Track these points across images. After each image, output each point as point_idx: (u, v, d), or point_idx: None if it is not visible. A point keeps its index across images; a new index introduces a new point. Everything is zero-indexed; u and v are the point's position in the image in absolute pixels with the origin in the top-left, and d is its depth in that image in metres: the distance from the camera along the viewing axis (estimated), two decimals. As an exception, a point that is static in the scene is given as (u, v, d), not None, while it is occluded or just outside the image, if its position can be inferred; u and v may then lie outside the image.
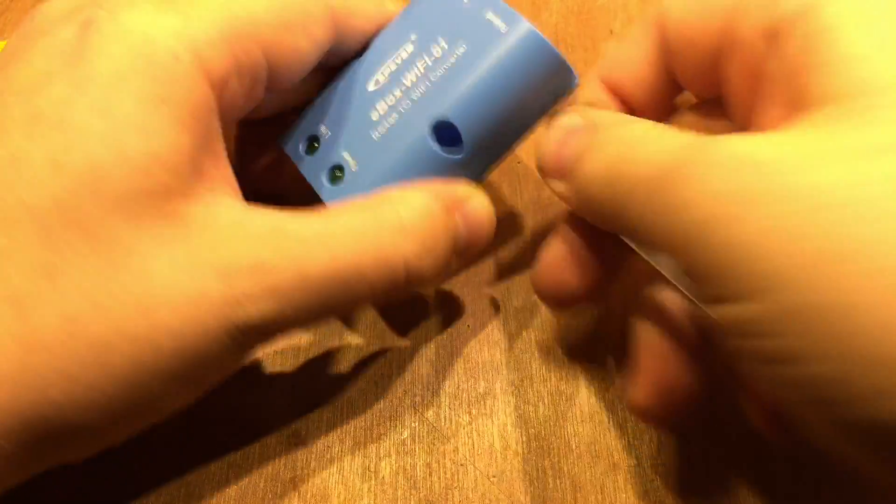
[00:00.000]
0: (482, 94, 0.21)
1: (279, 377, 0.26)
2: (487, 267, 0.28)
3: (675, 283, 0.21)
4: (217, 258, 0.18)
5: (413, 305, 0.27)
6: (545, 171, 0.22)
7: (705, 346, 0.20)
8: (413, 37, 0.23)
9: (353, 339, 0.27)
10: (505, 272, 0.27)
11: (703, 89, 0.21)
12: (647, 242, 0.19)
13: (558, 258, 0.22)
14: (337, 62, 0.25)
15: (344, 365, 0.26)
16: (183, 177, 0.18)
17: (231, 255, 0.18)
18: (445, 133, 0.22)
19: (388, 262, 0.20)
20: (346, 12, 0.23)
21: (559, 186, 0.21)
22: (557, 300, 0.23)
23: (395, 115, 0.23)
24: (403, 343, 0.27)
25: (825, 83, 0.16)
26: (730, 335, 0.15)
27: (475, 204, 0.22)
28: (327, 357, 0.26)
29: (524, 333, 0.27)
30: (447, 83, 0.22)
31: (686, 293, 0.21)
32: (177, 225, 0.18)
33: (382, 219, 0.20)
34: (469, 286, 0.27)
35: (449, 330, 0.27)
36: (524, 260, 0.28)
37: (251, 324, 0.18)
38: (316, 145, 0.24)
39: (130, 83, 0.18)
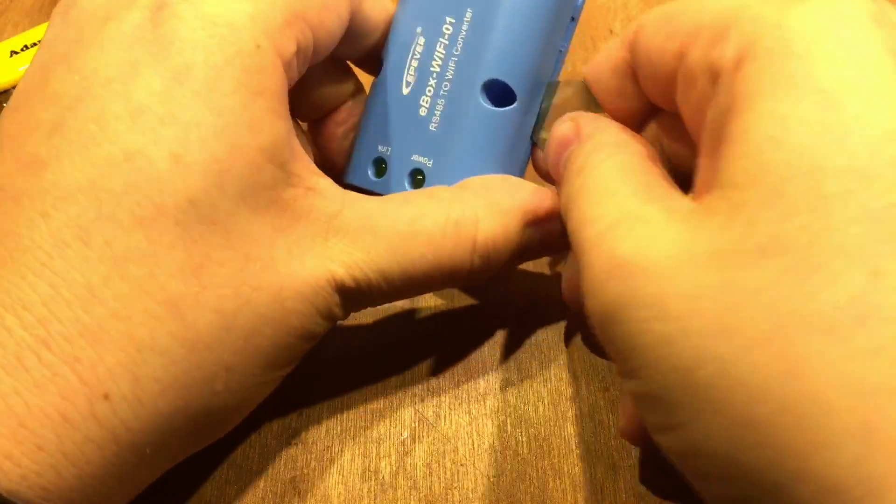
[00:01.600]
0: (508, 40, 0.22)
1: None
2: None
3: None
4: (321, 243, 0.19)
5: (413, 304, 0.27)
6: (545, 178, 0.22)
7: None
8: (419, 29, 0.24)
9: (354, 339, 0.27)
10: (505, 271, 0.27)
11: (665, 104, 0.21)
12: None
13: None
14: (345, 51, 0.25)
15: (344, 365, 0.26)
16: (285, 166, 0.19)
17: (333, 238, 0.20)
18: (495, 91, 0.22)
19: (456, 270, 0.21)
20: None
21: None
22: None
23: (439, 101, 0.23)
24: (403, 343, 0.27)
25: (729, 166, 0.15)
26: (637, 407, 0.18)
27: (555, 223, 0.22)
28: (327, 357, 0.26)
29: (524, 333, 0.27)
30: (472, 48, 0.22)
31: None
32: (286, 213, 0.19)
33: (462, 229, 0.21)
34: (469, 287, 0.27)
35: (449, 330, 0.27)
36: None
37: (347, 302, 0.20)
38: (384, 166, 0.25)
39: (227, 74, 0.18)
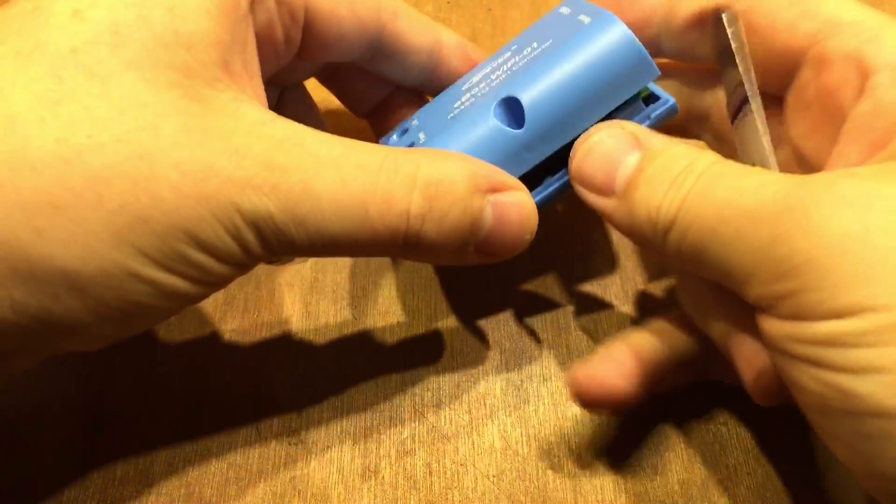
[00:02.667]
0: (552, 74, 0.21)
1: (279, 377, 0.26)
2: (488, 267, 0.28)
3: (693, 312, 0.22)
4: (231, 141, 0.18)
5: (413, 305, 0.27)
6: (586, 183, 0.21)
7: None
8: (514, 47, 0.24)
9: (354, 339, 0.27)
10: (505, 272, 0.27)
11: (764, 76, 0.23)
12: (726, 268, 0.18)
13: (609, 372, 0.22)
14: (388, 72, 0.26)
15: (344, 364, 0.26)
16: (206, 64, 0.19)
17: (245, 144, 0.18)
18: (512, 111, 0.22)
19: (393, 208, 0.19)
20: (394, 10, 0.24)
21: (597, 200, 0.21)
22: (595, 405, 0.23)
23: (471, 98, 0.23)
24: (403, 343, 0.27)
25: None
26: (819, 345, 0.16)
27: (512, 197, 0.21)
28: (327, 357, 0.26)
29: (524, 333, 0.27)
30: (524, 69, 0.22)
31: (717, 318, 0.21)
32: (196, 102, 0.18)
33: (401, 166, 0.19)
34: (469, 286, 0.27)
35: (449, 330, 0.27)
36: (524, 260, 0.28)
37: (252, 217, 0.18)
38: (406, 134, 0.25)
39: None
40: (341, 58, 0.25)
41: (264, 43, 0.22)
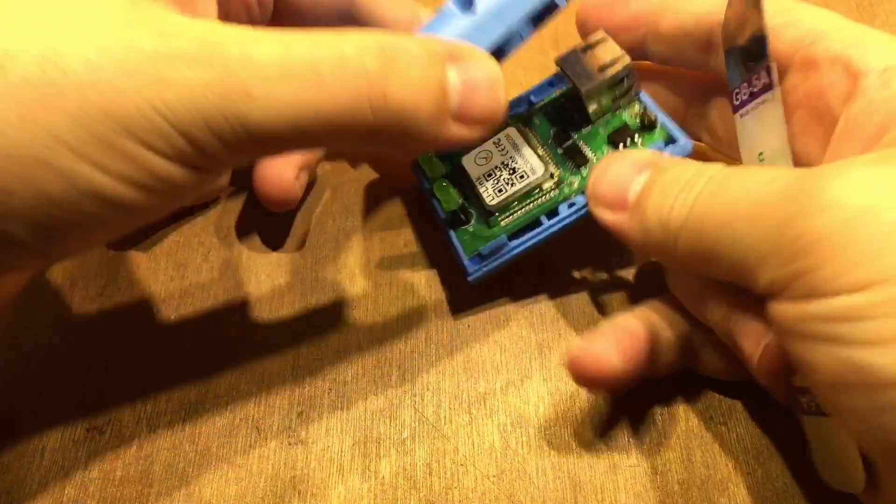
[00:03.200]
0: None
1: (279, 377, 0.26)
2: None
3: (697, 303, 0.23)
4: (159, 26, 0.17)
5: (413, 305, 0.27)
6: (600, 200, 0.22)
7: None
8: None
9: (354, 339, 0.27)
10: (504, 273, 0.27)
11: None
12: (738, 259, 0.19)
13: (605, 351, 0.22)
14: None
15: (344, 365, 0.26)
16: None
17: (175, 27, 0.17)
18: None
19: (347, 67, 0.18)
20: None
21: (612, 217, 0.22)
22: (591, 385, 0.24)
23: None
24: (403, 343, 0.27)
25: None
26: (833, 321, 0.17)
27: (475, 62, 0.20)
28: (327, 357, 0.26)
29: (524, 333, 0.27)
30: None
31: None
32: (131, 2, 0.17)
33: (349, 36, 0.18)
34: (469, 286, 0.27)
35: (449, 330, 0.27)
36: (527, 262, 0.27)
37: (187, 94, 0.16)
38: None
39: None
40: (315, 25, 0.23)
41: None
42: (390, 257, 0.28)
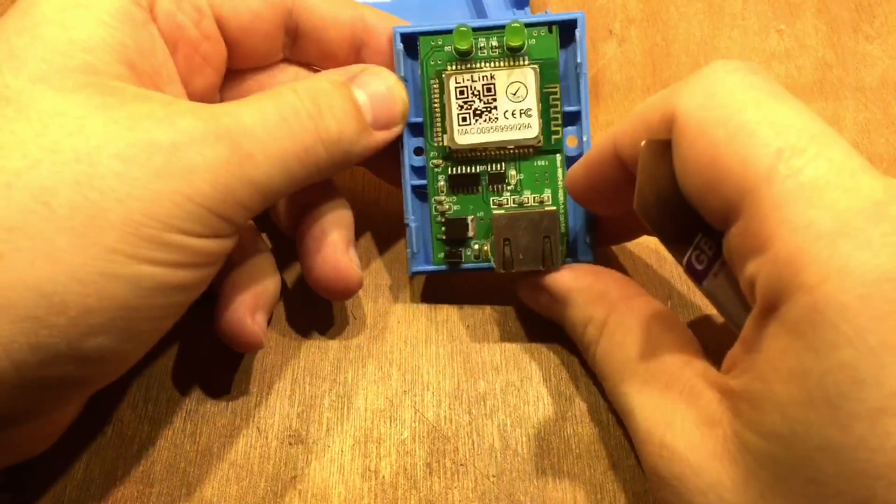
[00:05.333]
0: None
1: (279, 377, 0.26)
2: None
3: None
4: (157, 113, 0.19)
5: (413, 305, 0.27)
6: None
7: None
8: None
9: (353, 339, 0.27)
10: (504, 273, 0.27)
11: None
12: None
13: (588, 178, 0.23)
14: (316, 57, 0.26)
15: (344, 365, 0.26)
16: (109, 63, 0.19)
17: (171, 112, 0.19)
18: None
19: (300, 116, 0.21)
20: None
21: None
22: (585, 203, 0.24)
23: None
24: (403, 343, 0.27)
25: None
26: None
27: (370, 76, 0.24)
28: (327, 357, 0.26)
29: (524, 333, 0.27)
30: None
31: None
32: (109, 95, 0.19)
33: (288, 91, 0.22)
34: (469, 286, 0.27)
35: (449, 330, 0.27)
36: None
37: (210, 170, 0.19)
38: None
39: None
40: (268, 44, 0.25)
41: (182, 45, 0.23)
42: (391, 257, 0.28)
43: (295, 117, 0.21)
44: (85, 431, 0.25)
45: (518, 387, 0.26)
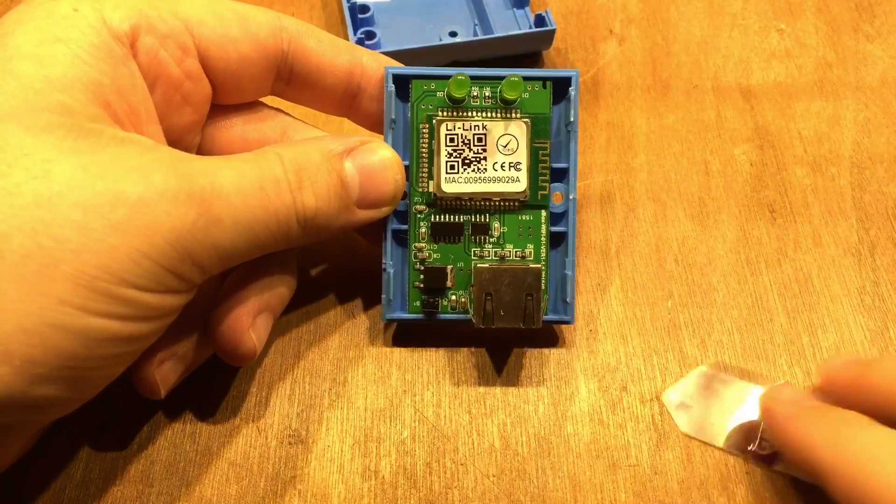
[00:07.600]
0: None
1: (279, 377, 0.26)
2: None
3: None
4: (129, 163, 0.18)
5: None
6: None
7: None
8: None
9: (353, 339, 0.27)
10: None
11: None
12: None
13: None
14: (309, 100, 0.26)
15: (344, 365, 0.26)
16: (85, 103, 0.19)
17: (144, 163, 0.19)
18: None
19: (279, 185, 0.21)
20: (297, 31, 0.24)
21: None
22: None
23: None
24: (403, 343, 0.27)
25: None
26: None
27: (368, 150, 0.23)
28: (327, 357, 0.26)
29: (524, 333, 0.27)
30: None
31: None
32: (83, 138, 0.18)
33: (271, 157, 0.21)
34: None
35: (449, 330, 0.27)
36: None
37: (173, 232, 0.18)
38: None
39: (27, 25, 0.19)
40: (255, 86, 0.24)
41: (162, 82, 0.22)
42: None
43: (274, 187, 0.20)
44: (85, 430, 0.25)
45: (518, 387, 0.26)
